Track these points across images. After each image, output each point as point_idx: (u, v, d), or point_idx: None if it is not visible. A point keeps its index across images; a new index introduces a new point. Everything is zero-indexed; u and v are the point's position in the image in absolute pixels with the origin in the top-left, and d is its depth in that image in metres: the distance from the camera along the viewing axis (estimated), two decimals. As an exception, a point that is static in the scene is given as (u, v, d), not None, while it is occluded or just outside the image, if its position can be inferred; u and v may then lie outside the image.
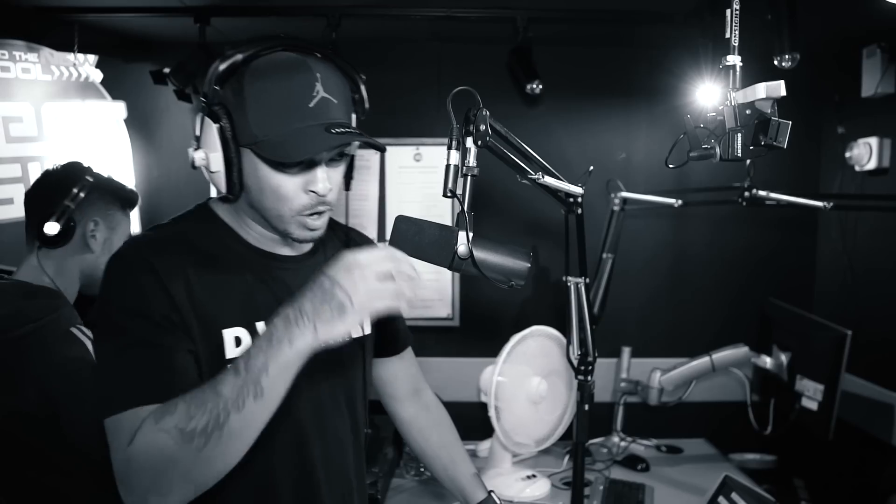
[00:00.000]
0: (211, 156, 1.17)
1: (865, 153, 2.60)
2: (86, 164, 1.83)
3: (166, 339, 1.11)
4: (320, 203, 1.20)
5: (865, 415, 2.56)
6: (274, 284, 1.26)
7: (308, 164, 1.17)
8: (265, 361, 1.00)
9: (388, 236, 1.29)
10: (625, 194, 2.55)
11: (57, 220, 1.69)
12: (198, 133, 1.18)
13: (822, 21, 2.40)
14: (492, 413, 2.24)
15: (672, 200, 2.43)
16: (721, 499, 2.02)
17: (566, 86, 2.88)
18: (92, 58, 2.62)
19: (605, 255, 2.57)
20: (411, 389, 1.68)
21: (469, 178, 1.27)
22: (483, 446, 2.64)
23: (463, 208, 1.25)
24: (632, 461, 2.60)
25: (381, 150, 1.19)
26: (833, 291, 2.95)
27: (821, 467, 2.73)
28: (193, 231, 1.25)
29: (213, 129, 1.14)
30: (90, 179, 1.77)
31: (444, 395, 2.83)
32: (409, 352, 1.68)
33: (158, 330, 1.10)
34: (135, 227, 1.96)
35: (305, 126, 1.12)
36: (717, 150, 1.50)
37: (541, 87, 2.49)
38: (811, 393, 2.41)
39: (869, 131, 2.63)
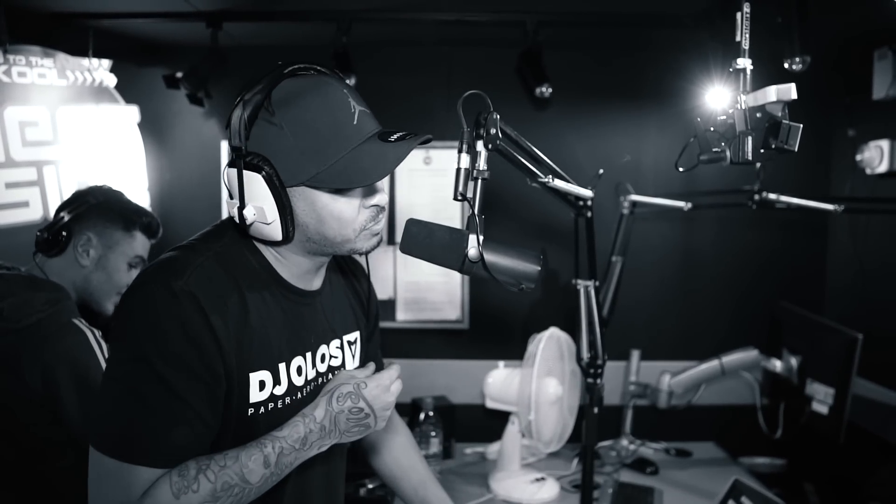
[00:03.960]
0: (264, 208, 1.11)
1: (877, 156, 2.59)
2: (106, 187, 1.92)
3: (199, 394, 1.07)
4: (379, 211, 1.21)
5: (877, 419, 2.55)
6: (296, 322, 1.25)
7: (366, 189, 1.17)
8: (294, 460, 1.14)
9: (398, 239, 1.30)
10: (634, 197, 2.55)
11: (48, 230, 1.79)
12: (236, 189, 1.11)
13: (832, 24, 2.40)
14: (532, 417, 2.24)
15: (682, 203, 2.43)
16: (731, 502, 2.02)
17: (576, 89, 2.89)
18: (106, 62, 2.65)
19: (614, 258, 2.57)
20: None
21: (480, 181, 1.28)
22: (492, 448, 2.65)
23: (473, 211, 1.26)
24: (641, 464, 2.60)
25: (429, 141, 1.19)
26: (844, 294, 2.94)
27: (832, 472, 2.72)
28: (228, 256, 1.17)
29: (254, 181, 1.09)
30: (94, 198, 1.85)
31: (453, 397, 2.85)
32: None
33: (196, 384, 1.06)
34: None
35: (361, 144, 1.11)
36: (728, 153, 1.51)
37: (550, 90, 2.50)
38: (822, 397, 2.40)
39: (880, 134, 2.62)
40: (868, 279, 2.73)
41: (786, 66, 2.00)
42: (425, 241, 1.27)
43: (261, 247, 1.21)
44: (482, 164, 1.29)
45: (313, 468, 1.29)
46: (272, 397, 1.18)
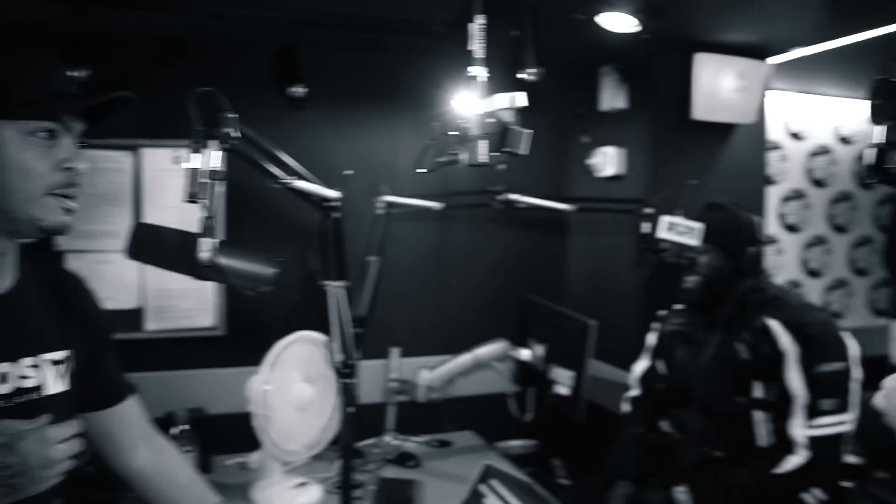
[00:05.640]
0: None
1: (604, 161, 2.88)
2: None
3: None
4: (72, 184, 1.08)
5: (612, 396, 2.82)
6: None
7: (53, 135, 1.05)
8: None
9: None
10: (389, 198, 2.59)
11: None
12: None
13: (568, 41, 2.60)
14: (260, 423, 2.18)
15: (434, 204, 2.52)
16: (482, 486, 2.13)
17: (334, 90, 2.88)
18: None
19: (370, 258, 2.60)
20: (142, 435, 1.48)
21: (214, 182, 1.23)
22: (254, 457, 2.56)
23: (207, 214, 1.20)
24: (403, 459, 2.66)
25: (131, 100, 1.11)
26: (582, 286, 3.23)
27: (576, 447, 2.97)
28: None
29: None
30: None
31: (213, 407, 2.72)
32: (133, 400, 1.47)
33: None
34: None
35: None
36: (463, 155, 1.59)
37: (305, 90, 2.47)
38: (564, 380, 2.62)
39: (607, 141, 2.92)
40: (600, 271, 3.03)
41: (521, 76, 2.14)
42: (153, 245, 1.21)
43: None
44: (216, 163, 1.24)
45: None
46: None
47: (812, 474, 1.90)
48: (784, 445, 1.96)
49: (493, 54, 1.65)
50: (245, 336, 2.90)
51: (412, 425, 2.92)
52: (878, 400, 1.13)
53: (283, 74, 2.52)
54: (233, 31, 2.73)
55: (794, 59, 2.94)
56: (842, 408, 1.91)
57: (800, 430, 1.92)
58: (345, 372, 1.86)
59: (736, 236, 2.13)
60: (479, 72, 1.58)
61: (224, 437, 2.65)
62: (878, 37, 2.47)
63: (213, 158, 1.23)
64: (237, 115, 1.27)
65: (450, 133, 1.62)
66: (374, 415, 2.87)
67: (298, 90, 2.45)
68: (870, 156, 1.07)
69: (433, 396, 2.70)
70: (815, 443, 1.90)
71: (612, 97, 2.88)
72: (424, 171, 1.68)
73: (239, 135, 1.27)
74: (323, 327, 2.40)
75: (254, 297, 2.50)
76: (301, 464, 2.56)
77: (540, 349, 2.73)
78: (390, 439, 2.81)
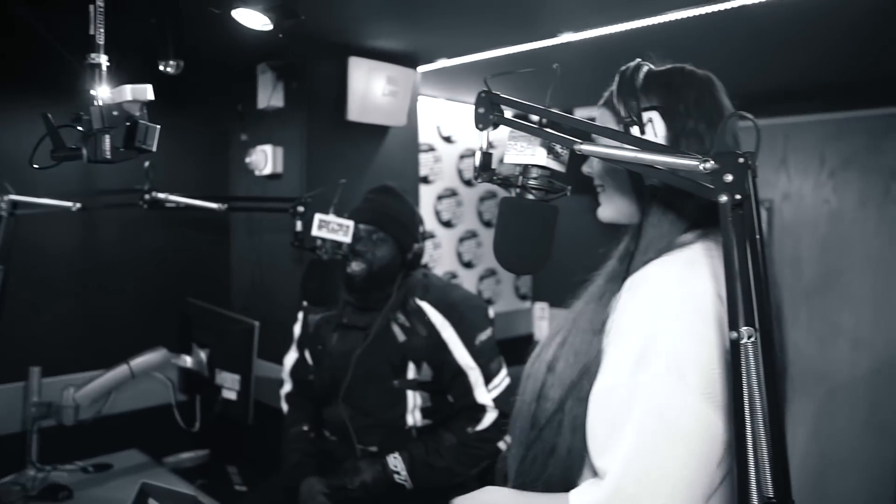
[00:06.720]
0: None
1: (262, 159, 2.87)
2: None
3: None
4: None
5: (277, 394, 2.83)
6: None
7: None
8: None
9: None
10: (13, 197, 2.28)
11: None
12: None
13: (223, 35, 2.52)
14: None
15: (69, 203, 2.28)
16: (139, 507, 2.00)
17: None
18: None
19: (-7, 268, 2.28)
20: None
21: None
22: None
23: None
24: (52, 492, 2.37)
25: None
26: (245, 286, 3.19)
27: (248, 451, 2.92)
28: None
29: None
30: None
31: None
32: None
33: None
34: None
35: None
36: (85, 151, 1.45)
37: None
38: (230, 384, 2.56)
39: (266, 139, 2.90)
40: (264, 271, 3.02)
41: (160, 68, 2.03)
42: None
43: None
44: None
45: None
46: None
47: (503, 426, 2.15)
48: (477, 412, 2.17)
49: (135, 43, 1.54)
50: None
51: (65, 452, 2.63)
52: None
53: None
54: None
55: (441, 69, 3.22)
56: (501, 364, 2.24)
57: (484, 396, 2.17)
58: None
59: (409, 231, 2.27)
60: (100, 59, 1.46)
61: None
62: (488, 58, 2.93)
63: None
64: None
65: (73, 125, 1.47)
66: (12, 447, 2.54)
67: None
68: (476, 158, 1.18)
69: (83, 417, 2.46)
70: (498, 401, 2.17)
71: (270, 95, 2.87)
72: (38, 167, 1.50)
73: None
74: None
75: None
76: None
77: (203, 354, 2.63)
78: (34, 472, 2.49)
